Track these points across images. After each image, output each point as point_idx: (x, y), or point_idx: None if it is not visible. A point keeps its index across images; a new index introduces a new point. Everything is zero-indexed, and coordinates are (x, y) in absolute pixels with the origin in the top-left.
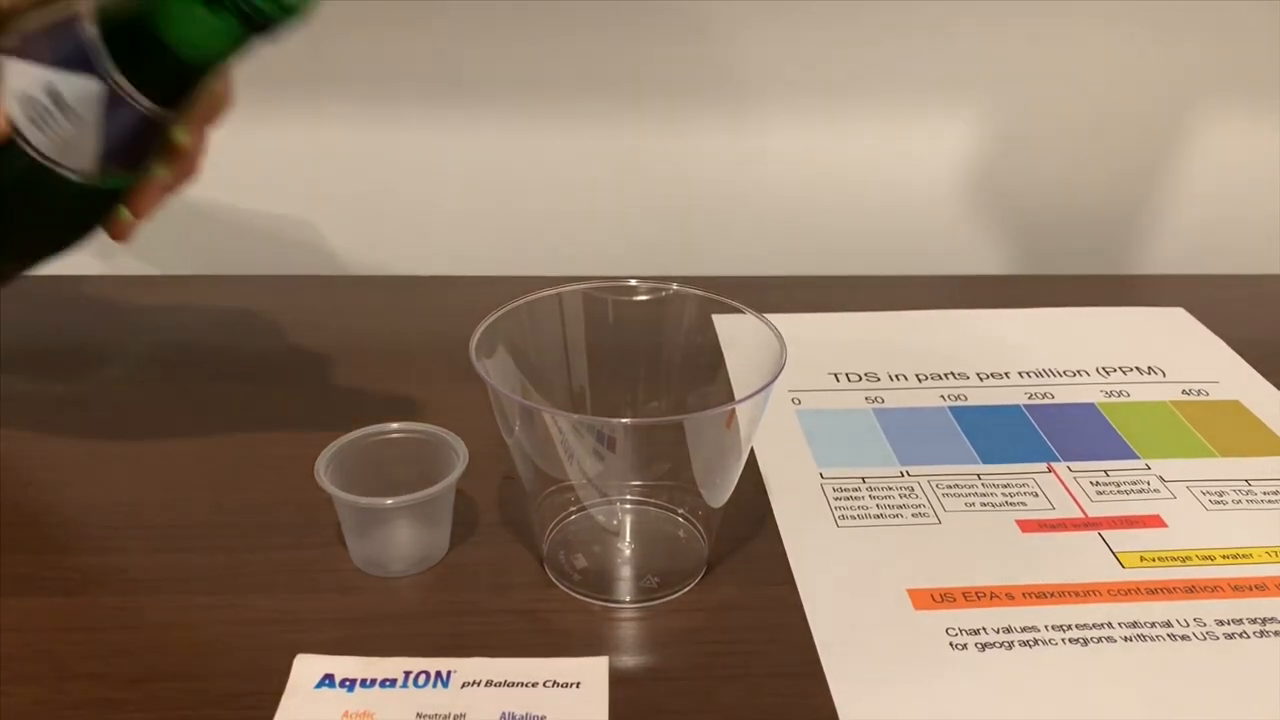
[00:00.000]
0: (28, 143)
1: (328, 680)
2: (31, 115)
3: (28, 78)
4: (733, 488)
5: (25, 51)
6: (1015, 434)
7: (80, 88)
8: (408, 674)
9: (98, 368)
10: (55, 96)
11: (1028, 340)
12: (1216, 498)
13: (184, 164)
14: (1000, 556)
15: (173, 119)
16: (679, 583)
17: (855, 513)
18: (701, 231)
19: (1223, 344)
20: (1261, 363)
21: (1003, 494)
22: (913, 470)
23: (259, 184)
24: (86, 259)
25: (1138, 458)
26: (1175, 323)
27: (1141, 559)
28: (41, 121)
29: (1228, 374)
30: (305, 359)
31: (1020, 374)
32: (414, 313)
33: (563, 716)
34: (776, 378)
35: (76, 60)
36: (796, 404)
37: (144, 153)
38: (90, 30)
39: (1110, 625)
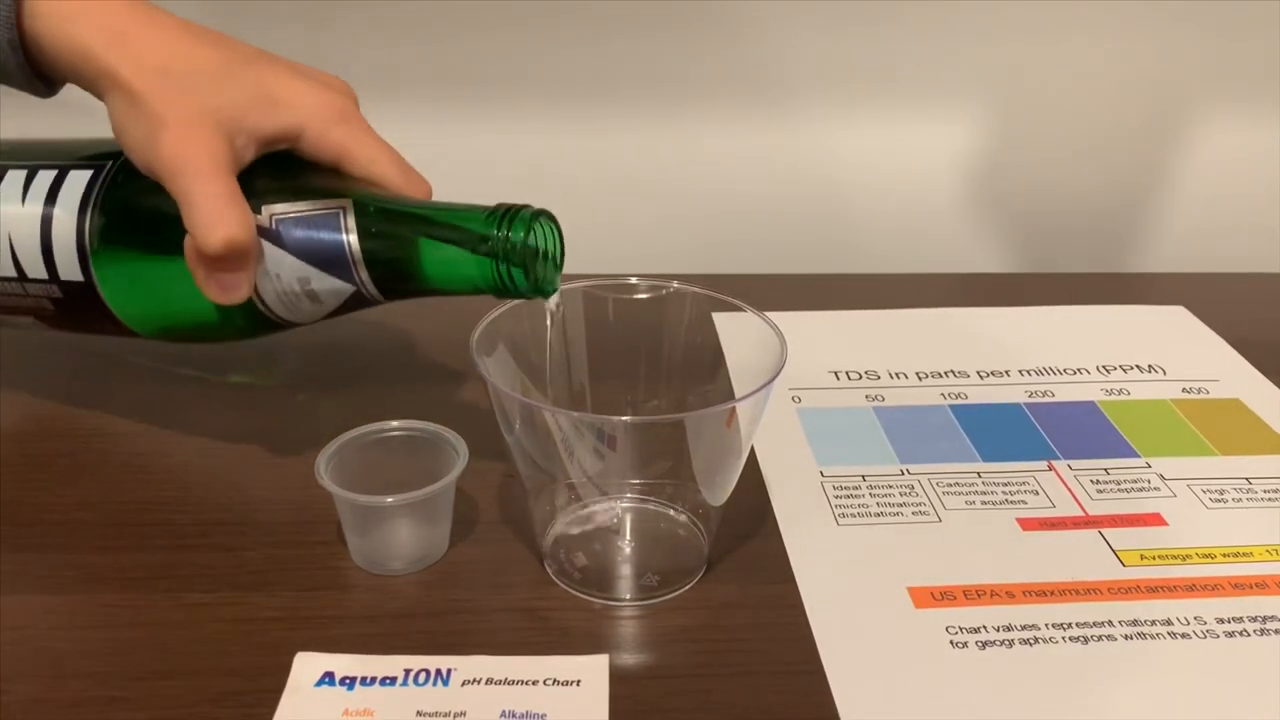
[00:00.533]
0: (263, 303)
1: (328, 678)
2: (278, 291)
3: (282, 264)
4: (733, 486)
5: (283, 240)
6: (1015, 432)
7: (331, 285)
8: (408, 672)
9: (97, 366)
10: (304, 283)
11: (1028, 338)
12: (1217, 496)
13: None
14: (1000, 555)
15: None
16: (679, 581)
17: (855, 511)
18: (702, 229)
19: (1223, 342)
20: (1262, 361)
21: (1003, 492)
22: (913, 468)
23: None
24: None
25: (1138, 456)
26: (1175, 321)
27: (1142, 557)
28: (283, 296)
29: (1228, 372)
30: (305, 356)
31: (1020, 372)
32: (414, 311)
33: (563, 715)
34: (777, 376)
35: (334, 266)
36: (797, 402)
37: (356, 310)
38: (355, 247)
39: (1110, 624)
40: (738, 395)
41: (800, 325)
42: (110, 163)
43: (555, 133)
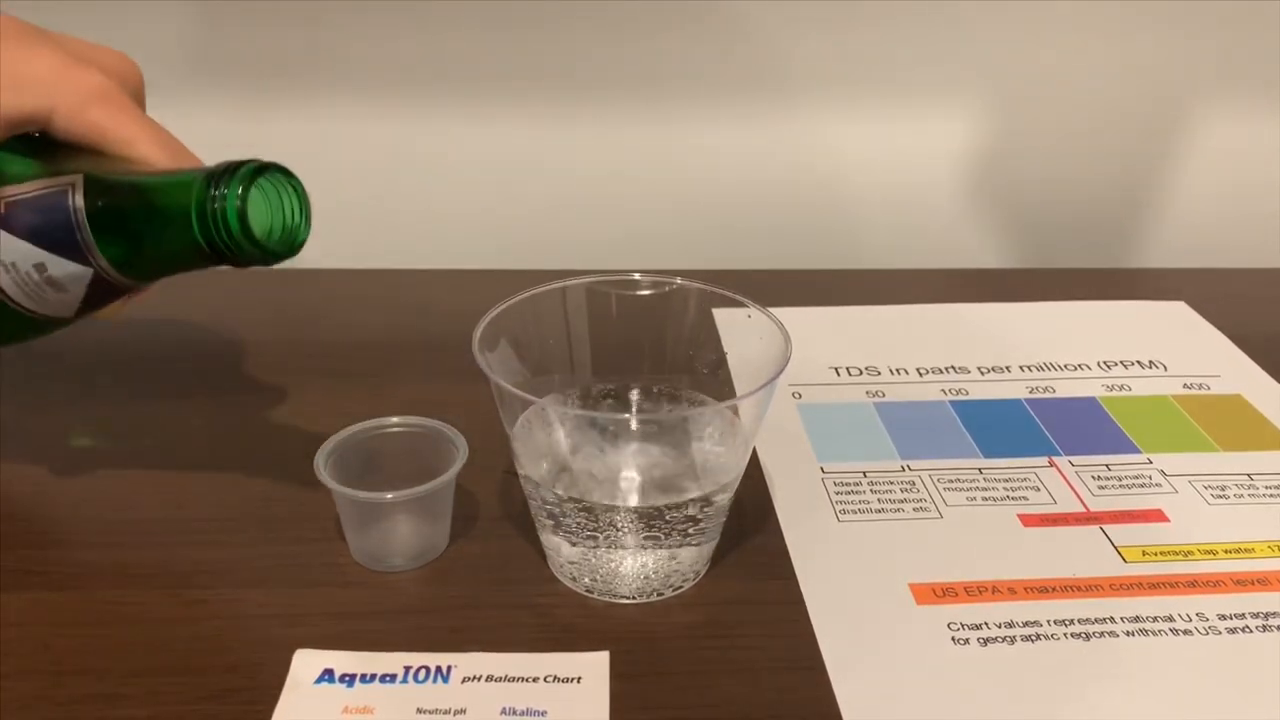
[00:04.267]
0: (6, 295)
1: (327, 675)
2: (16, 279)
3: (15, 250)
4: (737, 483)
5: (12, 224)
6: (1016, 428)
7: (68, 270)
8: (408, 669)
9: (94, 362)
10: (40, 269)
11: (1029, 334)
12: (1218, 492)
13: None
14: (1002, 551)
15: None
16: (682, 580)
17: (856, 507)
18: (704, 225)
19: (1224, 338)
20: (1263, 357)
21: (1004, 488)
22: (914, 464)
23: None
24: None
25: (1139, 452)
26: (1176, 316)
27: (1143, 553)
28: (23, 285)
29: (1229, 368)
30: (305, 352)
31: (1021, 368)
32: (416, 307)
33: (563, 711)
34: (781, 373)
35: (68, 248)
36: (797, 398)
37: (113, 300)
38: (85, 224)
39: (1112, 620)
40: (740, 391)
41: (801, 321)
42: None
43: (559, 129)
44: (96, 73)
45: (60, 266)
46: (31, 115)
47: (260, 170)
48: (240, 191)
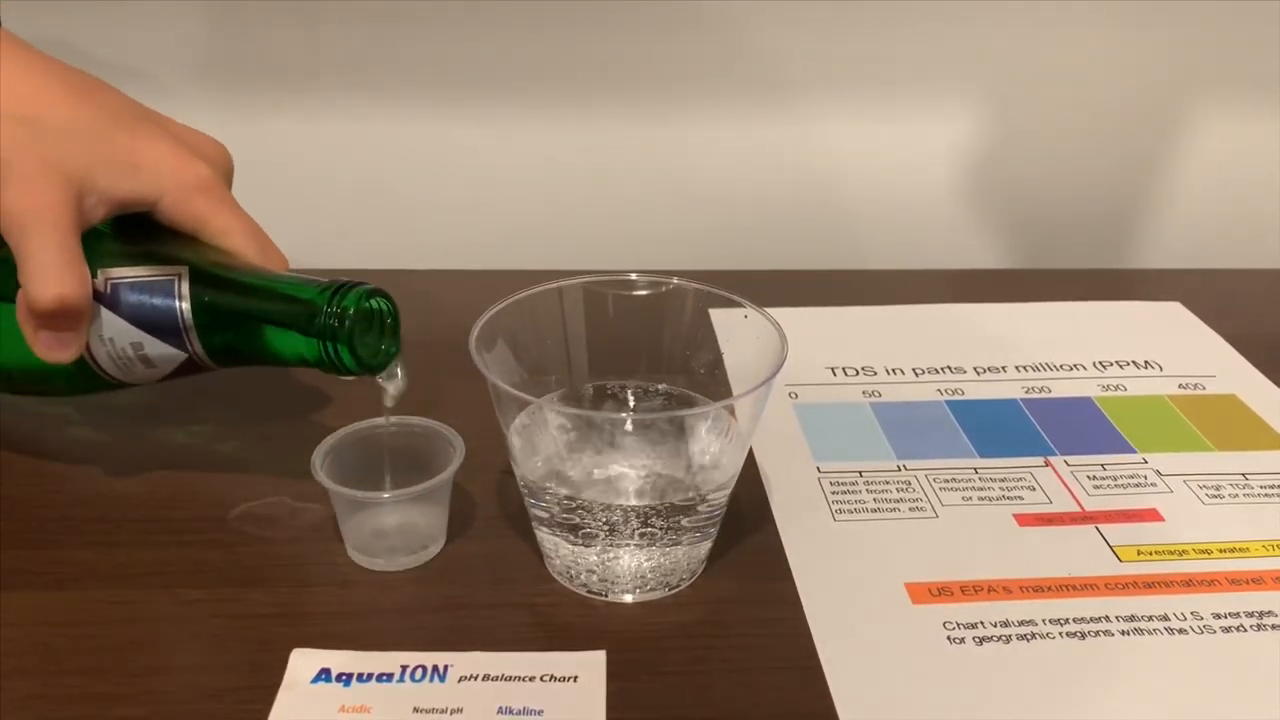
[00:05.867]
0: (96, 363)
1: (324, 674)
2: (111, 354)
3: (115, 328)
4: (733, 483)
5: (117, 304)
6: (1012, 428)
7: (164, 351)
8: (404, 668)
9: None
10: (137, 348)
11: (1024, 334)
12: (1213, 492)
13: None
14: (997, 550)
15: None
16: (678, 579)
17: (852, 507)
18: (701, 225)
19: (1219, 338)
20: (1258, 357)
21: (1000, 488)
22: (910, 464)
23: (255, 177)
24: None
25: (1134, 451)
26: (1172, 317)
27: (1139, 553)
28: (116, 359)
29: (1224, 368)
30: None
31: (1017, 368)
32: (412, 307)
33: (560, 711)
34: (777, 373)
35: (166, 332)
36: (793, 398)
37: (189, 375)
38: (189, 315)
39: (1107, 619)
40: (737, 391)
41: (797, 321)
42: None
43: (556, 129)
44: (204, 164)
45: (156, 348)
46: (139, 198)
47: (370, 294)
48: (354, 313)
